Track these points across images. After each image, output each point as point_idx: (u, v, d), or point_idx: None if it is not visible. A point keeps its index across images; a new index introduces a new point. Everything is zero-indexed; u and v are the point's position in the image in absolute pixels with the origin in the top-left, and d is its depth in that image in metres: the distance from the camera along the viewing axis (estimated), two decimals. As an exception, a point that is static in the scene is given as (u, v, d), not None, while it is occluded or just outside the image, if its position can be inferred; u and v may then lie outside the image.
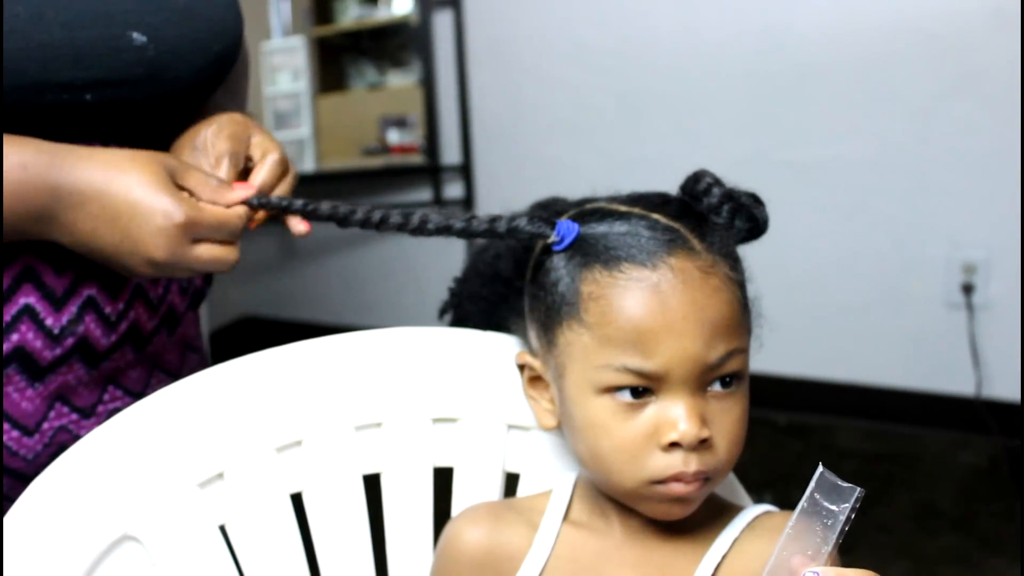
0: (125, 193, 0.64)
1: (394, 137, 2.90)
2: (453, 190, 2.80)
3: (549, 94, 2.58)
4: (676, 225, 0.59)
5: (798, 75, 2.25)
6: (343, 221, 0.68)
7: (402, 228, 0.65)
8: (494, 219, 0.62)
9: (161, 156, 0.68)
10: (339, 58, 3.09)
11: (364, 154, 2.98)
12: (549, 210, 0.71)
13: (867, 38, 2.16)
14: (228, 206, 0.69)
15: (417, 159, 2.85)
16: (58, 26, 0.64)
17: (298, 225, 0.73)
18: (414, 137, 2.87)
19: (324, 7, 3.02)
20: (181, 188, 0.67)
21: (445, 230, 0.63)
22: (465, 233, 0.63)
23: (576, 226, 0.61)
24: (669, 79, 2.40)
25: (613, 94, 2.49)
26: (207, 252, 0.67)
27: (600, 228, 0.60)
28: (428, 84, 2.73)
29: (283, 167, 0.75)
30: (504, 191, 2.69)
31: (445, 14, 2.65)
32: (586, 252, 0.59)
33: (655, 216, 0.60)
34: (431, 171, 2.79)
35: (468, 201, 2.75)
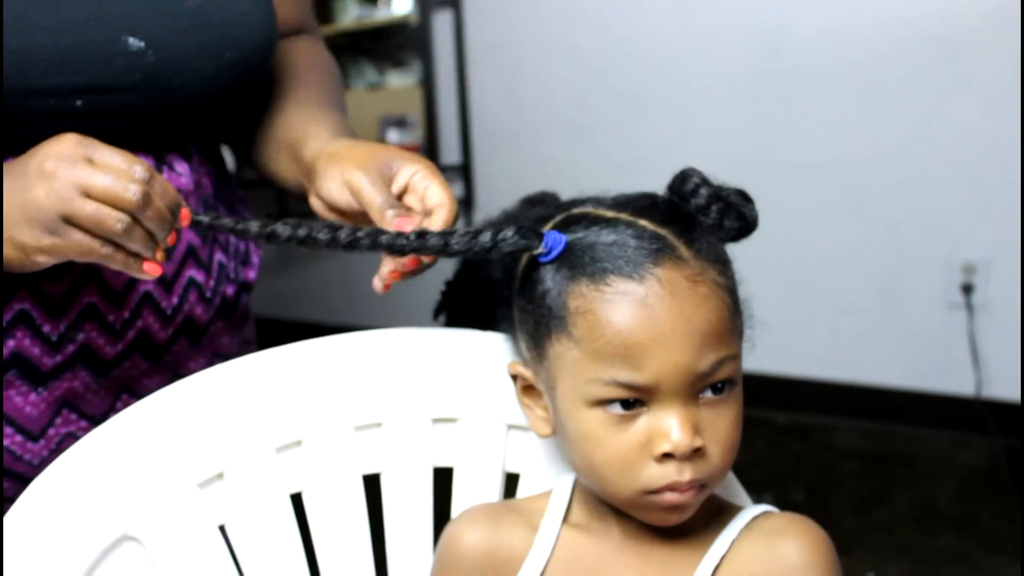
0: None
1: (394, 137, 2.90)
2: (453, 190, 2.79)
3: (549, 94, 2.58)
4: (663, 232, 0.58)
5: (798, 75, 2.25)
6: (306, 243, 0.63)
7: (374, 248, 0.62)
8: (477, 232, 0.60)
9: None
10: (339, 58, 3.05)
11: (364, 154, 2.97)
12: (539, 206, 0.71)
13: (867, 38, 2.16)
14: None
15: (417, 159, 2.84)
16: (41, 31, 0.63)
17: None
18: (414, 137, 2.87)
19: (324, 7, 3.02)
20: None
21: (417, 250, 0.61)
22: (444, 252, 0.61)
23: (564, 238, 0.59)
24: (669, 79, 2.40)
25: (612, 94, 2.48)
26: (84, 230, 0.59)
27: (587, 238, 0.59)
28: (428, 84, 2.73)
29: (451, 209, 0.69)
30: (504, 191, 2.67)
31: (445, 14, 2.65)
32: (573, 264, 0.59)
33: (642, 223, 0.59)
34: (431, 171, 2.79)
35: (468, 201, 2.75)
